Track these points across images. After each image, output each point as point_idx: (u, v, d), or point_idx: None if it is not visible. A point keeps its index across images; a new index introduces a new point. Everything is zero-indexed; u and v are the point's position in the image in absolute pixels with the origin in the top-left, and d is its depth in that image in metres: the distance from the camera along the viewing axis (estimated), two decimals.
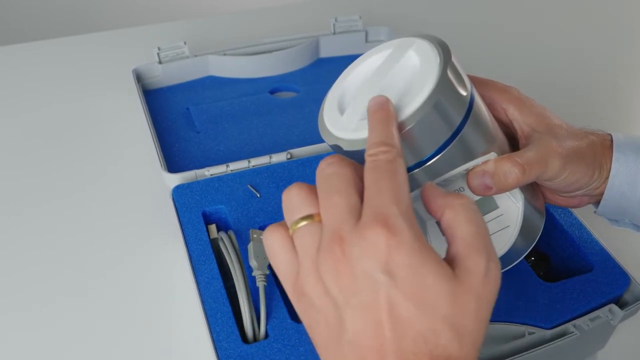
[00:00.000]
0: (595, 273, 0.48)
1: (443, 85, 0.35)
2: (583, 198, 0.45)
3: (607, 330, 0.49)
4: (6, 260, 0.57)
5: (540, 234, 0.44)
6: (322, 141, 0.61)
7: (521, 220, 0.42)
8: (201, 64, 0.75)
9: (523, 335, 0.44)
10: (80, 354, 0.50)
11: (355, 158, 0.36)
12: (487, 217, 0.42)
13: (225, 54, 0.75)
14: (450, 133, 0.37)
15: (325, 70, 0.78)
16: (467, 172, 0.39)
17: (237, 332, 0.44)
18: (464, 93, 0.37)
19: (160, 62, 0.73)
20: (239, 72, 0.76)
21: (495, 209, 0.42)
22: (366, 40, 0.80)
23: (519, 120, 0.42)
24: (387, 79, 0.38)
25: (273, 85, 0.75)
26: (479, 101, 0.39)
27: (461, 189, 0.41)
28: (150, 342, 0.51)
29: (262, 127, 0.68)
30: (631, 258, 0.55)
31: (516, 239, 0.42)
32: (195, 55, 0.74)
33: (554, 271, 0.53)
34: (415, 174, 0.37)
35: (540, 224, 0.44)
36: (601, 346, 0.51)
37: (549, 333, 0.44)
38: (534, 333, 0.44)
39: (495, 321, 0.45)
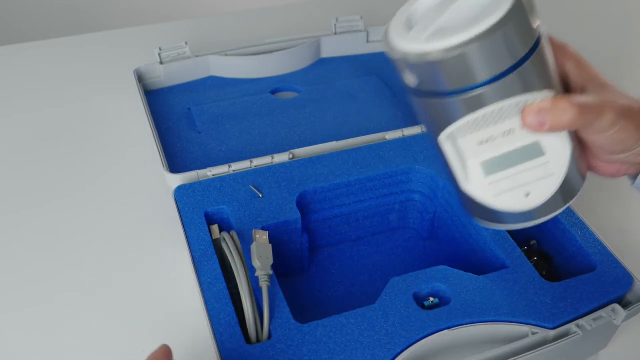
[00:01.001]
0: (598, 273, 0.48)
1: (518, 10, 0.36)
2: (622, 167, 0.45)
3: (609, 330, 0.49)
4: (7, 260, 0.57)
5: (576, 196, 0.43)
6: (324, 141, 0.61)
7: (566, 171, 0.42)
8: (202, 65, 0.75)
9: (527, 336, 0.44)
10: (82, 353, 0.50)
11: (421, 71, 0.37)
12: (534, 162, 0.42)
13: (226, 55, 0.75)
14: (515, 61, 0.37)
15: (327, 71, 0.78)
16: (523, 109, 0.39)
17: (240, 333, 0.44)
18: (536, 23, 0.37)
19: (161, 63, 0.73)
20: (241, 73, 0.76)
21: (542, 156, 0.42)
22: (367, 41, 0.80)
23: (576, 75, 0.43)
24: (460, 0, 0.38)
25: (274, 86, 0.75)
26: (546, 37, 0.39)
27: (512, 130, 0.41)
28: (152, 343, 0.51)
29: (263, 127, 0.68)
30: (634, 258, 0.55)
31: (557, 191, 0.42)
32: (197, 56, 0.74)
33: (556, 271, 0.53)
34: (469, 98, 0.38)
35: (579, 185, 0.44)
36: (603, 346, 0.51)
37: (552, 333, 0.44)
38: (537, 333, 0.44)
39: (498, 321, 0.45)
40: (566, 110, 0.39)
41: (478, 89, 0.38)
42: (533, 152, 0.42)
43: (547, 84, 0.40)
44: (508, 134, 0.41)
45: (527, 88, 0.39)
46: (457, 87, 0.38)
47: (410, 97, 0.42)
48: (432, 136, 0.43)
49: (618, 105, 0.41)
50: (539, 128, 0.39)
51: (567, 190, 0.43)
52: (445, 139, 0.42)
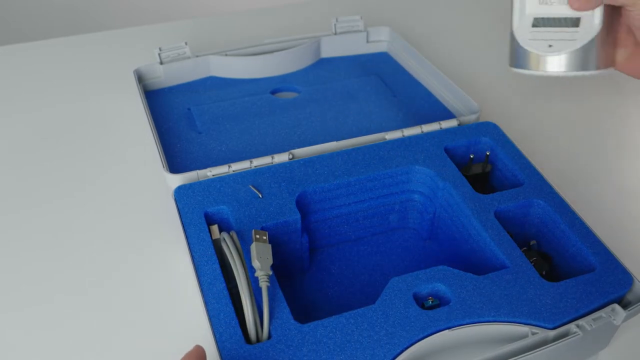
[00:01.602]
0: (597, 273, 0.48)
1: None
2: None
3: (609, 330, 0.49)
4: (7, 260, 0.57)
5: (584, 72, 0.56)
6: (323, 141, 0.61)
7: (586, 44, 0.57)
8: (202, 65, 0.75)
9: (527, 336, 0.44)
10: (81, 353, 0.50)
11: None
12: (569, 29, 0.58)
13: (226, 55, 0.75)
14: None
15: (327, 71, 0.78)
16: None
17: (240, 333, 0.44)
18: None
19: (161, 63, 0.73)
20: (241, 73, 0.76)
21: (576, 27, 0.58)
22: (367, 41, 0.80)
23: None
24: None
25: (274, 86, 0.75)
26: None
27: (566, 1, 0.56)
28: (152, 343, 0.51)
29: (263, 127, 0.68)
30: (634, 258, 0.55)
31: (572, 52, 0.57)
32: (197, 56, 0.74)
33: (556, 271, 0.53)
34: None
35: (590, 65, 0.57)
36: (603, 346, 0.51)
37: (552, 333, 0.44)
38: (537, 333, 0.44)
39: (498, 321, 0.45)
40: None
41: None
42: (573, 22, 0.58)
43: None
44: (562, 2, 0.57)
45: None
46: None
47: None
48: None
49: None
50: (585, 5, 0.56)
51: (580, 59, 0.58)
52: None
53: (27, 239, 0.59)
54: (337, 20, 0.79)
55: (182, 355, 0.42)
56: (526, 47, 0.60)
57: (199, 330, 0.49)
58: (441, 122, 0.63)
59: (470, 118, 0.64)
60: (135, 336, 0.51)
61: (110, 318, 0.52)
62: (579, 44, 0.59)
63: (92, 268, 0.57)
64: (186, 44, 0.74)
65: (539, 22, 0.60)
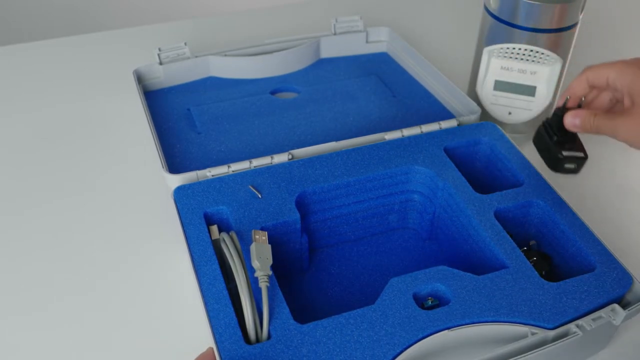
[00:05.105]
0: (597, 273, 0.48)
1: None
2: None
3: (609, 330, 0.49)
4: (7, 260, 0.57)
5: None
6: (323, 141, 0.62)
7: (539, 114, 0.66)
8: (202, 65, 0.75)
9: (526, 336, 0.44)
10: (80, 353, 0.50)
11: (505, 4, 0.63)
12: (526, 98, 0.66)
13: (226, 55, 0.75)
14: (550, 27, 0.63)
15: (326, 71, 0.78)
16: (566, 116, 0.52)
17: (239, 333, 0.44)
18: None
19: (161, 63, 0.73)
20: (240, 73, 0.76)
21: (532, 97, 0.65)
22: (367, 41, 0.80)
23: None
24: None
25: (274, 86, 0.75)
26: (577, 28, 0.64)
27: (524, 71, 0.65)
28: (152, 344, 0.51)
29: (263, 127, 0.68)
30: (634, 258, 0.55)
31: (527, 121, 0.67)
32: (196, 56, 0.74)
33: (556, 271, 0.53)
34: (512, 30, 0.63)
35: None
36: (603, 346, 0.51)
37: (551, 333, 0.44)
38: (537, 333, 0.44)
39: (498, 321, 0.45)
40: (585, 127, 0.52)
41: (521, 30, 0.62)
42: (528, 91, 0.66)
43: (565, 55, 0.64)
44: (521, 72, 0.64)
45: (549, 47, 0.63)
46: (512, 21, 0.62)
47: (484, 18, 0.66)
48: (481, 48, 0.67)
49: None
50: (574, 129, 0.53)
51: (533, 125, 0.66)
52: (486, 52, 0.66)
53: (27, 239, 0.59)
54: (336, 21, 0.79)
55: (195, 356, 0.42)
56: (489, 112, 0.68)
57: (198, 330, 0.49)
58: (441, 122, 0.63)
59: (469, 118, 0.64)
60: (135, 336, 0.51)
61: (110, 318, 0.52)
62: (533, 114, 0.66)
63: (91, 268, 0.57)
64: (186, 44, 0.74)
65: (499, 86, 0.66)
